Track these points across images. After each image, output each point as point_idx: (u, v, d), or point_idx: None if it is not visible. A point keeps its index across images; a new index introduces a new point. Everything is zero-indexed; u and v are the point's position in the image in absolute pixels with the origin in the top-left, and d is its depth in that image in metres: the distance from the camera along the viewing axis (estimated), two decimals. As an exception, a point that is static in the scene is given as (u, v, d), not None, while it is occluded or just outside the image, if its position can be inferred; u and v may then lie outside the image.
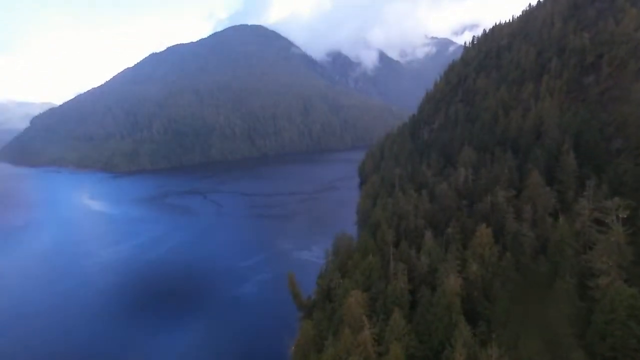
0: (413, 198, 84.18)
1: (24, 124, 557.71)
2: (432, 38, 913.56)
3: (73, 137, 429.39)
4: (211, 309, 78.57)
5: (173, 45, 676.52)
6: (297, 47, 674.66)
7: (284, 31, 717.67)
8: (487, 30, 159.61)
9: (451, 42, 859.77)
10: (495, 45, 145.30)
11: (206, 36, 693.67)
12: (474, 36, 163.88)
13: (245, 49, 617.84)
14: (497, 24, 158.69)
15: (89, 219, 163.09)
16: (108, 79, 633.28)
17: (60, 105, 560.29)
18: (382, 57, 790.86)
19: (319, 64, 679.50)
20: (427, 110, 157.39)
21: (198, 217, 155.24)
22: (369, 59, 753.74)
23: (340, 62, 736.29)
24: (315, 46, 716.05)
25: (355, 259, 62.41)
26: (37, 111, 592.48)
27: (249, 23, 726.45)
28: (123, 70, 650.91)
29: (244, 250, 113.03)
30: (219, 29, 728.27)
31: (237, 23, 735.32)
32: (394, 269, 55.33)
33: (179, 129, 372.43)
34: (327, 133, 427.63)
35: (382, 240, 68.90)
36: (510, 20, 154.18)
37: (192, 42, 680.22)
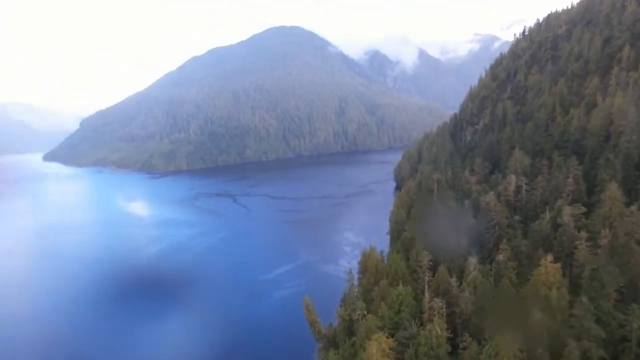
0: (454, 210, 72.54)
1: (76, 126, 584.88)
2: (476, 34, 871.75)
3: (117, 138, 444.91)
4: (220, 329, 71.34)
5: (213, 49, 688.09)
6: (334, 47, 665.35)
7: (321, 31, 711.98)
8: (541, 20, 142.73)
9: (496, 38, 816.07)
10: (551, 35, 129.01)
11: (245, 38, 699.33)
12: (525, 26, 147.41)
13: (283, 49, 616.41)
14: (553, 11, 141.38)
15: (119, 221, 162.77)
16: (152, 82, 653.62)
17: (107, 108, 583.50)
18: (422, 54, 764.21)
19: (356, 63, 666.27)
20: (471, 109, 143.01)
21: (225, 222, 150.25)
22: (409, 57, 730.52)
23: (378, 61, 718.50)
24: (353, 45, 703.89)
25: (383, 287, 52.39)
26: (89, 114, 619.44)
27: (288, 24, 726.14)
28: (166, 74, 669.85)
29: (267, 260, 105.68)
30: (259, 31, 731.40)
31: (276, 24, 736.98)
32: (429, 305, 45.00)
33: (215, 129, 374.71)
34: (363, 133, 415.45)
35: (416, 262, 58.25)
36: (569, 7, 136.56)
37: (231, 45, 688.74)
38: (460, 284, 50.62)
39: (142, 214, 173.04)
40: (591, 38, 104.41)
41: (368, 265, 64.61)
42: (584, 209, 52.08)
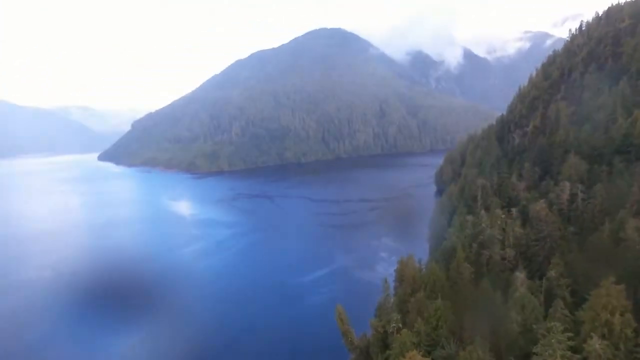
0: (500, 219, 67.65)
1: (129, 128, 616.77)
2: (526, 32, 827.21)
3: (165, 139, 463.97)
4: (250, 332, 70.79)
5: (256, 52, 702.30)
6: (376, 48, 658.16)
7: (363, 32, 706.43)
8: (601, 13, 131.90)
9: (548, 36, 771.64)
10: (612, 30, 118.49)
11: (287, 41, 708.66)
12: (582, 21, 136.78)
13: (324, 51, 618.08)
14: (615, 4, 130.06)
15: (161, 219, 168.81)
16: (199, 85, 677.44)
17: (156, 110, 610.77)
18: (467, 54, 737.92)
19: (398, 64, 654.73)
20: (520, 111, 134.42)
21: (262, 223, 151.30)
22: (453, 57, 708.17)
23: (421, 61, 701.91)
24: (395, 46, 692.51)
25: (420, 299, 49.24)
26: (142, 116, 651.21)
27: (329, 26, 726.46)
28: (211, 77, 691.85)
29: (302, 264, 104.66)
30: (300, 33, 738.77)
31: (318, 27, 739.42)
32: (470, 322, 41.48)
33: (256, 131, 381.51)
34: (403, 135, 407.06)
35: (457, 273, 54.56)
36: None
37: (273, 48, 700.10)
38: (506, 300, 46.57)
39: (183, 213, 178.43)
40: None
41: (405, 275, 61.52)
42: (652, 222, 46.13)
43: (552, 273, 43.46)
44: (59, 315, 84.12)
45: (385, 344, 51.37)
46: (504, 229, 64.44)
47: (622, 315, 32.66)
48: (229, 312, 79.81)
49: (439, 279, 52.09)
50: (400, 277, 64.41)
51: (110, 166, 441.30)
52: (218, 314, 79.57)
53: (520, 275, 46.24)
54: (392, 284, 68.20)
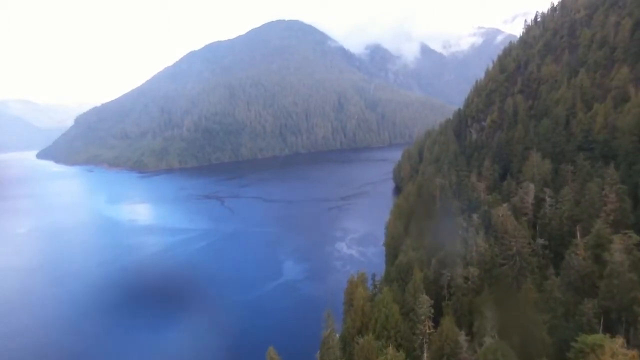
0: (461, 228, 59.59)
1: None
2: (479, 28, 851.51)
3: (111, 136, 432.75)
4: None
5: (210, 43, 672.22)
6: (334, 41, 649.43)
7: (321, 25, 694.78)
8: (556, 4, 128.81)
9: (499, 32, 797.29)
10: (567, 20, 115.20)
11: (244, 33, 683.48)
12: (537, 12, 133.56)
13: (281, 44, 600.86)
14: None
15: (95, 227, 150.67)
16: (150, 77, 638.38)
17: (102, 104, 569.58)
18: (424, 49, 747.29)
19: (357, 58, 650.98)
20: (476, 105, 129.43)
21: (209, 229, 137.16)
22: (410, 52, 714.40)
23: (379, 55, 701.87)
24: (354, 40, 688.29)
25: (366, 346, 39.32)
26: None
27: (287, 18, 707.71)
28: (163, 69, 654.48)
29: (246, 278, 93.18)
30: (257, 24, 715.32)
31: (276, 18, 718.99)
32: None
33: (209, 126, 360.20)
34: (362, 129, 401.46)
35: (414, 298, 45.47)
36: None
37: (229, 39, 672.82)
38: (471, 339, 37.86)
39: (121, 218, 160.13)
40: (618, 22, 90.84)
41: (354, 301, 51.76)
42: (637, 238, 38.86)
43: (526, 310, 34.95)
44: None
45: (328, 396, 41.46)
46: (465, 241, 56.32)
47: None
48: (151, 340, 66.84)
49: (392, 314, 42.66)
50: (349, 302, 54.75)
51: (49, 165, 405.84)
52: (136, 342, 66.50)
53: (487, 311, 37.29)
54: (341, 308, 58.73)
